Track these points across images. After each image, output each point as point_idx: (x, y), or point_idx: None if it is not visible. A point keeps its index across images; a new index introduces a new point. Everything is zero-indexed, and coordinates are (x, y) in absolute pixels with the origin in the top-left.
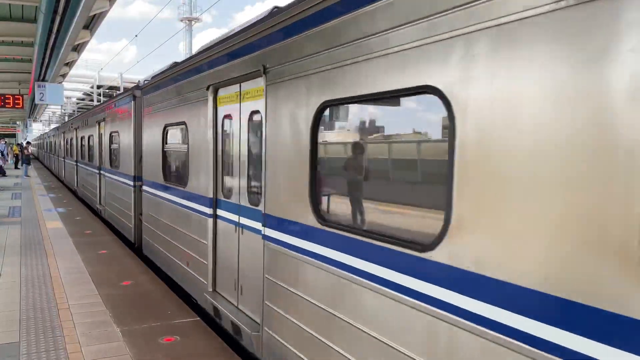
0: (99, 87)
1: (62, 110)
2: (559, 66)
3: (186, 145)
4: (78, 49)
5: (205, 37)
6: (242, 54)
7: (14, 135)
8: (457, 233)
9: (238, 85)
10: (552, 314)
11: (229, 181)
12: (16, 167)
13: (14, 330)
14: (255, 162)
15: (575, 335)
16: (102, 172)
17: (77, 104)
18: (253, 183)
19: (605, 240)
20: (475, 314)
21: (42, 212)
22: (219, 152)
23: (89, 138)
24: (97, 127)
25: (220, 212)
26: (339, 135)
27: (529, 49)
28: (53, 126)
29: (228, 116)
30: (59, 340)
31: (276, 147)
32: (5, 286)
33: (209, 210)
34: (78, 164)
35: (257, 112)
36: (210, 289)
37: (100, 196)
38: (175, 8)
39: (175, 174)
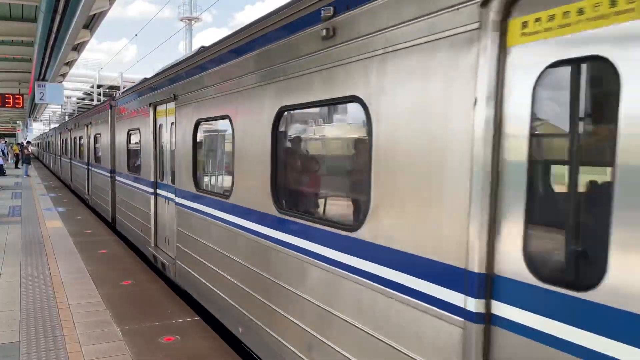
0: (99, 86)
1: (63, 110)
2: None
3: (139, 145)
4: (78, 48)
5: (205, 36)
6: (165, 85)
7: (14, 135)
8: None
9: (165, 105)
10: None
11: (162, 168)
12: (16, 167)
13: (14, 330)
14: (174, 155)
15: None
16: (89, 167)
17: (77, 103)
18: (172, 168)
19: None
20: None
21: (42, 211)
22: (157, 149)
23: (79, 138)
24: (86, 129)
25: (158, 190)
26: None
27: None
28: (53, 125)
29: (161, 125)
30: (58, 340)
31: (180, 145)
32: (5, 285)
33: (151, 190)
34: (72, 161)
35: (173, 122)
36: (153, 245)
37: (88, 187)
38: (176, 7)
39: (134, 165)
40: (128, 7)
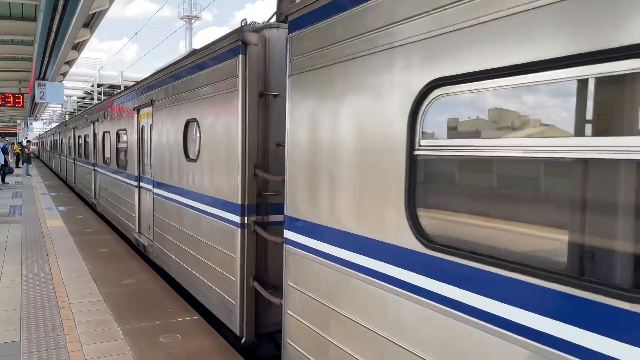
0: (99, 85)
1: (63, 109)
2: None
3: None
4: (78, 47)
5: (206, 35)
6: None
7: (14, 134)
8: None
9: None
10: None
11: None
12: (17, 166)
13: (15, 329)
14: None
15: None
16: (75, 161)
17: (78, 102)
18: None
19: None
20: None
21: (43, 210)
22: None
23: (68, 139)
24: (73, 131)
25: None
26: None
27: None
28: (54, 124)
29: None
30: (59, 339)
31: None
32: (6, 285)
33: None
34: (61, 156)
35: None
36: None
37: (75, 178)
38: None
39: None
40: (129, 6)
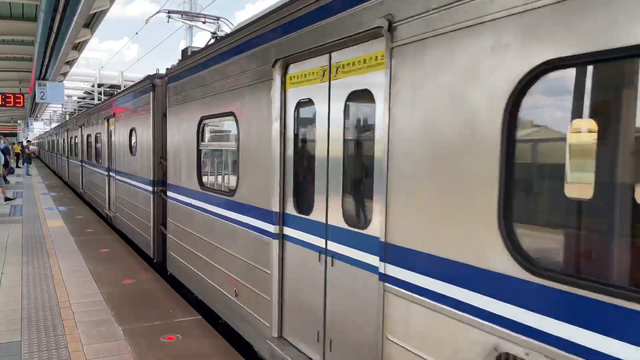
0: (99, 85)
1: (63, 109)
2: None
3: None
4: (78, 47)
5: (205, 36)
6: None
7: (15, 134)
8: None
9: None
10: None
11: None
12: (17, 166)
13: (16, 329)
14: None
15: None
16: (69, 159)
17: (78, 102)
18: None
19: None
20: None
21: (44, 210)
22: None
23: (63, 140)
24: (66, 132)
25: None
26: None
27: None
28: (54, 125)
29: (111, 131)
30: (60, 339)
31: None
32: (6, 285)
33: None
34: (56, 154)
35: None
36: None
37: (67, 174)
38: (176, 6)
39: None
40: (129, 6)
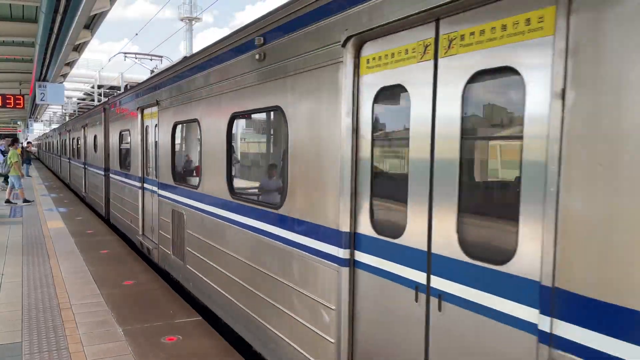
0: (99, 86)
1: (63, 110)
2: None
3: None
4: (79, 48)
5: (206, 36)
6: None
7: (14, 135)
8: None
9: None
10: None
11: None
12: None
13: (16, 330)
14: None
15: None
16: (62, 158)
17: (78, 103)
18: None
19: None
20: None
21: (44, 211)
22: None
23: (58, 141)
24: (59, 135)
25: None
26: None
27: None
28: (54, 126)
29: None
30: (61, 340)
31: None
32: (7, 286)
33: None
34: (52, 154)
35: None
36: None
37: (60, 170)
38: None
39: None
40: (130, 7)
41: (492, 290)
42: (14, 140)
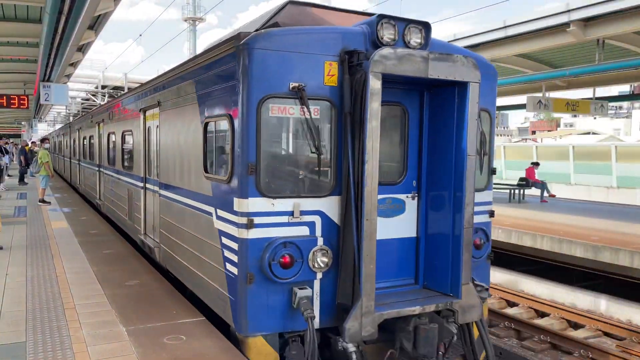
0: (103, 87)
1: (67, 111)
2: None
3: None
4: (83, 49)
5: (209, 37)
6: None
7: (19, 136)
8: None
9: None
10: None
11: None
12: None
13: (21, 330)
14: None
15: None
16: (62, 156)
17: (82, 104)
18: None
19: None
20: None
21: (48, 211)
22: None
23: (58, 142)
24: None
25: (147, 185)
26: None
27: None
28: (58, 126)
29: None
30: (65, 340)
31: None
32: (11, 286)
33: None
34: (54, 154)
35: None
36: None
37: (64, 169)
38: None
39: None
40: (134, 8)
41: (156, 185)
42: (44, 139)
